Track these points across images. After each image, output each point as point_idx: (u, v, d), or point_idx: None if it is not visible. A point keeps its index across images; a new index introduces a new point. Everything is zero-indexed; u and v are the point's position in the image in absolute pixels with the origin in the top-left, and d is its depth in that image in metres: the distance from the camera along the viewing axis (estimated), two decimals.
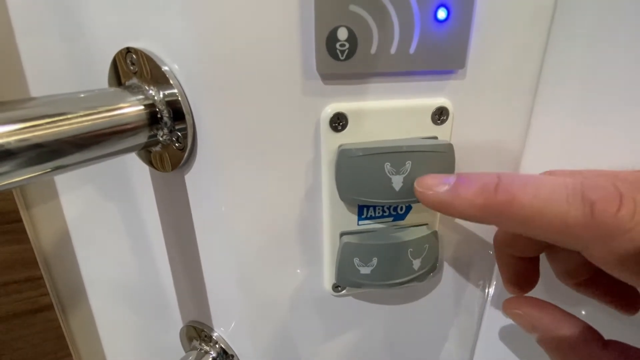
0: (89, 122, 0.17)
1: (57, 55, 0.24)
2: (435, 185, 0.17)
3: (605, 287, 0.20)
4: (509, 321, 0.28)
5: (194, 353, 0.28)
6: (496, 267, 0.27)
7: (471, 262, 0.27)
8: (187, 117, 0.19)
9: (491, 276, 0.28)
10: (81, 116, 0.17)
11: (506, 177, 0.15)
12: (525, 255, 0.21)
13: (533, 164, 0.24)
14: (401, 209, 0.22)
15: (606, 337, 0.19)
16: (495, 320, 0.29)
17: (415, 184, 0.19)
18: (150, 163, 0.23)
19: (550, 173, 0.19)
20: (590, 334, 0.19)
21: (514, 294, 0.23)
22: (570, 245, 0.15)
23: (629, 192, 0.13)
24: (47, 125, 0.16)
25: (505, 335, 0.29)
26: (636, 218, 0.13)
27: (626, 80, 0.21)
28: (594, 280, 0.20)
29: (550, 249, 0.21)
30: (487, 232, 0.26)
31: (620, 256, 0.13)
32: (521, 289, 0.22)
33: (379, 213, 0.22)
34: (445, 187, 0.17)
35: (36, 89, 0.25)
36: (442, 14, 0.18)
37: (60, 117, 0.16)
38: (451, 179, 0.17)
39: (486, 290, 0.28)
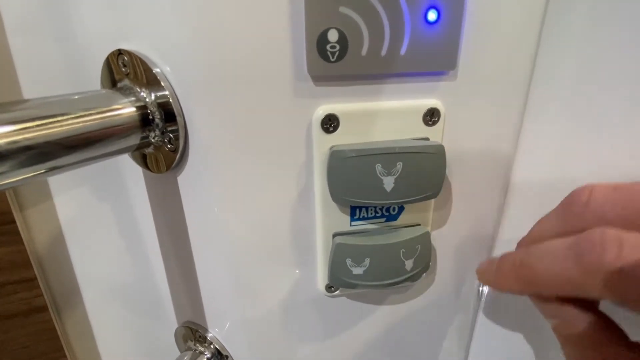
0: (80, 124, 0.17)
1: (49, 57, 0.24)
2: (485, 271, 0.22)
3: None
4: (504, 320, 0.28)
5: (189, 353, 0.28)
6: None
7: (465, 262, 0.27)
8: (179, 118, 0.19)
9: None
10: (72, 118, 0.17)
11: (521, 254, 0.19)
12: None
13: (525, 165, 0.24)
14: (394, 210, 0.22)
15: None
16: (490, 319, 0.29)
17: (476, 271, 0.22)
18: (143, 164, 0.23)
19: (591, 190, 0.17)
20: (616, 332, 0.17)
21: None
22: (581, 295, 0.16)
23: (612, 237, 0.15)
24: (38, 128, 0.16)
25: (500, 334, 0.29)
26: (623, 257, 0.14)
27: (618, 81, 0.21)
28: None
29: None
30: (479, 231, 0.26)
31: (608, 289, 0.15)
32: None
33: (371, 214, 0.22)
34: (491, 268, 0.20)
35: (28, 91, 0.25)
36: (432, 15, 0.18)
37: (51, 119, 0.16)
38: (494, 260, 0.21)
39: (480, 289, 0.28)
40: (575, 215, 0.17)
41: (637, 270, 0.14)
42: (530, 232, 0.21)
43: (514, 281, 0.18)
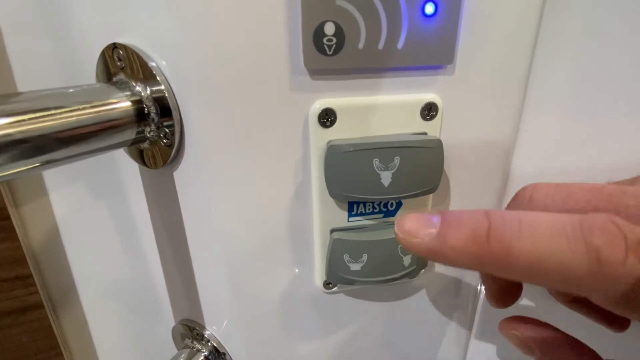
0: (74, 118, 0.17)
1: (44, 51, 0.23)
2: (417, 230, 0.15)
3: (596, 306, 0.20)
4: (502, 318, 0.28)
5: (186, 351, 0.28)
6: None
7: None
8: (174, 113, 0.19)
9: None
10: (67, 112, 0.17)
11: (496, 219, 0.14)
12: None
13: (524, 160, 0.24)
14: (391, 205, 0.22)
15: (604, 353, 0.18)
16: (489, 317, 0.29)
17: (395, 228, 0.15)
18: (139, 159, 0.22)
19: (534, 187, 0.18)
20: (587, 354, 0.18)
21: (497, 307, 0.22)
22: (573, 291, 0.14)
23: (632, 232, 0.12)
24: (32, 121, 0.16)
25: (499, 332, 0.29)
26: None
27: (617, 75, 0.21)
28: (584, 298, 0.20)
29: None
30: None
31: (626, 299, 0.13)
32: (504, 302, 0.22)
33: (369, 209, 0.22)
34: (431, 232, 0.14)
35: (23, 86, 0.24)
36: (429, 8, 0.18)
37: (45, 113, 0.16)
38: (434, 219, 0.15)
39: (479, 287, 0.28)
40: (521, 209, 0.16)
41: None
42: None
43: (474, 258, 0.14)
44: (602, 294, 0.13)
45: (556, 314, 0.22)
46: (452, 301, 0.28)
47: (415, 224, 0.15)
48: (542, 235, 0.13)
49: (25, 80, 0.24)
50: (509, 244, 0.13)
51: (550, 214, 0.14)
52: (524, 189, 0.17)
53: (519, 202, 0.17)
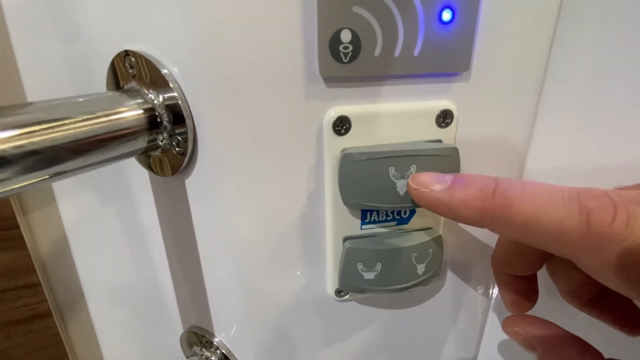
0: (87, 128, 0.17)
1: (54, 59, 0.23)
2: (430, 183, 0.17)
3: (610, 308, 0.20)
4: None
5: (195, 359, 0.27)
6: None
7: (475, 265, 0.26)
8: (188, 121, 0.19)
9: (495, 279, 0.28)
10: (79, 121, 0.16)
11: (503, 181, 0.15)
12: (521, 273, 0.21)
13: (538, 167, 0.23)
14: (405, 213, 0.22)
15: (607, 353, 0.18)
16: (499, 323, 0.28)
17: (409, 181, 0.18)
18: (149, 167, 0.22)
19: None
20: (589, 353, 0.19)
21: (513, 312, 0.23)
22: (564, 253, 0.15)
23: (622, 203, 0.13)
24: (44, 131, 0.15)
25: (509, 339, 0.28)
26: (630, 228, 0.13)
27: (632, 82, 0.21)
28: (598, 300, 0.20)
29: (551, 267, 0.21)
30: (490, 235, 0.25)
31: (613, 265, 0.13)
32: (520, 308, 0.22)
33: (382, 217, 0.22)
34: (441, 186, 0.16)
35: (33, 93, 0.24)
36: (447, 15, 0.18)
37: (57, 123, 0.16)
38: (447, 177, 0.17)
39: (490, 293, 0.28)
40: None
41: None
42: None
43: (476, 210, 0.15)
44: (590, 257, 0.14)
45: (562, 314, 0.22)
46: (462, 308, 0.28)
47: (429, 178, 0.17)
48: (541, 196, 0.14)
49: (34, 86, 0.24)
50: (511, 201, 0.15)
51: (552, 184, 0.15)
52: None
53: None
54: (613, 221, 0.13)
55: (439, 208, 0.16)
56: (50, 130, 0.16)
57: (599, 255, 0.14)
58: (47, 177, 0.16)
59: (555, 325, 0.20)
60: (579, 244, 0.14)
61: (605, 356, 0.19)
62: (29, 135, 0.15)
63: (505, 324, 0.22)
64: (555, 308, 0.23)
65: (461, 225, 0.24)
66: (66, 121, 0.16)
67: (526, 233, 0.15)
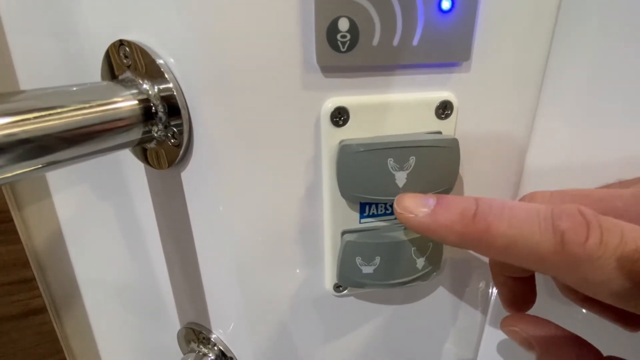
0: (80, 117, 0.16)
1: (48, 49, 0.23)
2: (414, 207, 0.17)
3: (609, 305, 0.20)
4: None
5: (192, 355, 0.27)
6: None
7: (475, 261, 0.26)
8: (183, 112, 0.19)
9: None
10: (72, 110, 0.16)
11: (484, 203, 0.16)
12: (519, 275, 0.22)
13: (538, 159, 0.23)
14: None
15: (605, 349, 0.18)
16: (500, 320, 0.28)
17: (394, 204, 0.18)
18: (145, 160, 0.22)
19: (531, 195, 0.19)
20: (588, 351, 0.19)
21: (511, 312, 0.23)
22: (544, 272, 0.15)
23: (595, 219, 0.14)
24: (36, 120, 0.15)
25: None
26: (603, 245, 0.13)
27: (634, 73, 0.21)
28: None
29: None
30: None
31: (590, 282, 0.14)
32: (519, 308, 0.22)
33: (381, 210, 0.22)
34: (425, 210, 0.17)
35: (27, 85, 0.24)
36: (446, 4, 0.17)
37: (50, 111, 0.16)
38: (431, 201, 0.17)
39: (490, 290, 0.28)
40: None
41: (628, 265, 0.13)
42: None
43: (458, 234, 0.16)
44: (569, 276, 0.14)
45: (561, 313, 0.21)
46: (462, 304, 0.28)
47: (413, 202, 0.17)
48: (518, 218, 0.15)
49: (29, 79, 0.24)
50: (490, 225, 0.15)
51: (530, 203, 0.16)
52: (522, 198, 0.19)
53: None
54: (586, 241, 0.13)
55: (424, 232, 0.17)
56: (43, 119, 0.15)
57: (576, 273, 0.14)
58: (40, 166, 0.16)
59: (554, 324, 0.20)
60: (556, 265, 0.14)
61: (604, 354, 0.19)
62: (22, 123, 0.15)
63: (504, 324, 0.22)
64: (554, 307, 0.23)
65: None
66: (59, 110, 0.16)
67: (506, 256, 0.15)
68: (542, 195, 0.19)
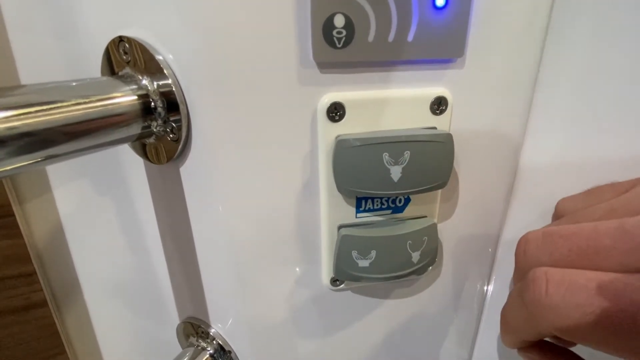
0: (81, 111, 0.17)
1: (48, 46, 0.23)
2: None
3: None
4: None
5: (191, 350, 0.27)
6: (496, 262, 0.27)
7: (471, 256, 0.26)
8: (182, 107, 0.19)
9: (491, 271, 0.28)
10: (72, 105, 0.16)
11: None
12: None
13: (533, 155, 0.23)
14: (400, 201, 0.22)
15: None
16: (495, 315, 0.28)
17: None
18: (144, 155, 0.22)
19: (525, 241, 0.19)
20: None
21: None
22: (534, 338, 0.18)
23: (552, 279, 0.15)
24: (37, 113, 0.15)
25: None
26: (550, 293, 0.15)
27: (628, 70, 0.21)
28: None
29: None
30: (486, 223, 0.25)
31: (566, 331, 0.15)
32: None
33: (377, 205, 0.22)
34: None
35: (28, 81, 0.24)
36: (440, 0, 0.18)
37: (51, 106, 0.16)
38: None
39: (486, 286, 0.28)
40: (520, 266, 0.18)
41: (564, 303, 0.15)
42: None
43: (507, 335, 0.20)
44: (540, 328, 0.16)
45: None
46: (458, 299, 0.28)
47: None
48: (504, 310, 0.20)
49: (30, 76, 0.24)
50: (505, 322, 0.20)
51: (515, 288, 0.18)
52: (518, 244, 0.19)
53: (518, 260, 0.19)
54: (546, 297, 0.15)
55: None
56: (43, 113, 0.16)
57: (551, 327, 0.15)
58: (40, 159, 0.16)
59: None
60: (533, 328, 0.17)
61: None
62: (23, 116, 0.15)
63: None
64: None
65: (456, 214, 0.24)
66: (60, 104, 0.16)
67: (517, 336, 0.19)
68: (535, 236, 0.18)
